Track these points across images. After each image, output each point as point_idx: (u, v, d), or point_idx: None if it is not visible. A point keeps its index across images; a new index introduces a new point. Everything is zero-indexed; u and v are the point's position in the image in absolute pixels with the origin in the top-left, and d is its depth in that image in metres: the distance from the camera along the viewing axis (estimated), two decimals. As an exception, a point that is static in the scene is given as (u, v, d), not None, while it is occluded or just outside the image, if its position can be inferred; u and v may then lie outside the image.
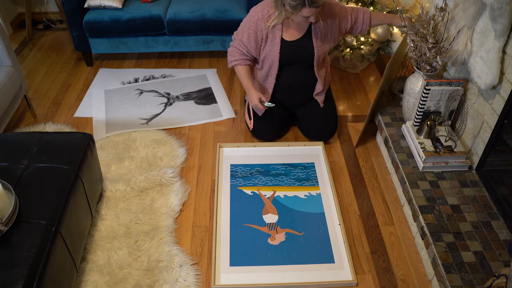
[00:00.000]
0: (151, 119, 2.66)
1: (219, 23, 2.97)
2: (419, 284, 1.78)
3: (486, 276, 1.58)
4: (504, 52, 1.76)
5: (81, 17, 2.98)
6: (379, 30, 2.83)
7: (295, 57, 2.24)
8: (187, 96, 2.86)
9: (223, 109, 2.76)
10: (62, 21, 3.90)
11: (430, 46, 2.01)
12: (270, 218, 2.04)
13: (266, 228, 2.00)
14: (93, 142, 1.94)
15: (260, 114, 2.39)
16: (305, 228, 2.00)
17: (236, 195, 2.15)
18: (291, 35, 2.19)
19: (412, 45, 2.09)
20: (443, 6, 2.00)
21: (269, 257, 1.88)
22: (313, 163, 2.33)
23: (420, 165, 2.01)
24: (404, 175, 2.00)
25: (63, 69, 3.23)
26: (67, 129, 2.60)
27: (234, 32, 2.28)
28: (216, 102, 2.80)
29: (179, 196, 2.13)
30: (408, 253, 1.90)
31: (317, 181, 2.23)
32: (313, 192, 2.17)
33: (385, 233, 2.00)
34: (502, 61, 1.77)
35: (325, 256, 1.88)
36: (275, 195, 2.15)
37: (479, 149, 1.96)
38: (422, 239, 1.81)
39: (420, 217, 1.81)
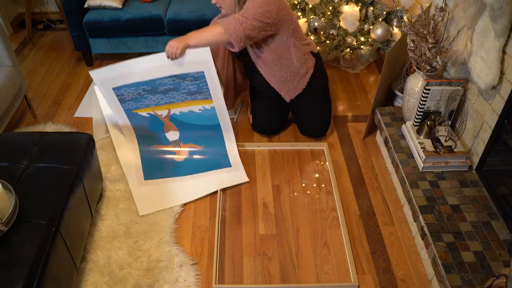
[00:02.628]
0: None
1: (219, 23, 2.97)
2: (419, 284, 1.78)
3: (486, 276, 1.58)
4: (504, 52, 1.76)
5: (81, 17, 2.98)
6: (379, 30, 2.83)
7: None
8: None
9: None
10: (62, 21, 3.90)
11: (430, 46, 2.01)
12: (172, 135, 2.19)
13: (170, 146, 2.18)
14: (93, 142, 1.94)
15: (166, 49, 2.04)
16: (204, 141, 2.21)
17: (135, 120, 2.20)
18: None
19: (412, 45, 2.09)
20: (443, 6, 2.01)
21: (177, 171, 2.16)
22: (203, 72, 2.05)
23: (420, 165, 2.01)
24: (404, 175, 2.00)
25: (63, 69, 3.23)
26: (67, 129, 2.60)
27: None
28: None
29: (179, 196, 2.13)
30: (408, 253, 1.90)
31: (209, 94, 2.13)
32: (207, 106, 2.16)
33: (385, 233, 2.00)
34: (502, 61, 1.77)
35: (224, 162, 2.15)
36: (170, 113, 2.17)
37: (479, 149, 1.96)
38: (422, 239, 1.81)
39: (420, 217, 1.81)
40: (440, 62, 2.03)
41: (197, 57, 1.99)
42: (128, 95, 2.11)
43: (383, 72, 2.28)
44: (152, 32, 3.02)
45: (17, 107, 2.51)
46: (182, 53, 1.97)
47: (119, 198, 2.12)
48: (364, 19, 2.87)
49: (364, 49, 2.92)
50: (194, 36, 1.99)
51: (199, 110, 2.15)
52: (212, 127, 2.20)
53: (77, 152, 1.81)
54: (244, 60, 2.37)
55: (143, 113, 2.15)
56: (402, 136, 2.22)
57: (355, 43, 2.90)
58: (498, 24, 1.68)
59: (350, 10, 2.78)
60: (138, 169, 2.19)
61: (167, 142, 2.17)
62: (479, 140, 1.95)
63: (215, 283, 1.76)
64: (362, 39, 2.90)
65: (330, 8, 2.83)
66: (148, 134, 2.16)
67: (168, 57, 1.97)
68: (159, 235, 1.94)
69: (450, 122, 2.16)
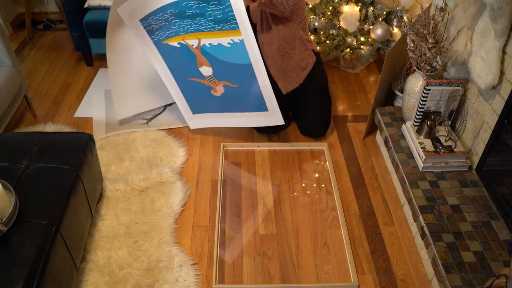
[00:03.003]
0: (151, 119, 2.66)
1: (219, 23, 2.97)
2: (419, 284, 1.78)
3: (486, 276, 1.58)
4: (504, 52, 1.76)
5: (81, 17, 2.98)
6: (379, 30, 2.83)
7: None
8: None
9: None
10: (62, 21, 3.90)
11: (430, 46, 2.01)
12: (206, 70, 2.14)
13: (206, 81, 2.15)
14: (93, 142, 1.94)
15: None
16: (238, 80, 2.15)
17: (166, 52, 2.13)
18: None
19: (412, 45, 2.09)
20: (443, 6, 2.01)
21: (217, 106, 2.21)
22: None
23: (420, 165, 2.01)
24: (404, 175, 2.00)
25: (63, 69, 3.23)
26: (67, 129, 2.60)
27: None
28: None
29: (179, 196, 2.13)
30: (408, 253, 1.90)
31: (236, 23, 2.00)
32: (236, 39, 2.05)
33: (385, 233, 2.00)
34: (502, 61, 1.77)
35: (260, 105, 2.16)
36: (201, 45, 2.10)
37: (479, 149, 1.96)
38: (422, 239, 1.81)
39: (420, 217, 1.81)
40: (440, 62, 2.03)
41: None
42: (156, 24, 2.03)
43: (383, 72, 2.28)
44: (152, 32, 3.01)
45: (17, 107, 2.51)
46: None
47: (119, 198, 2.12)
48: (364, 19, 2.87)
49: (364, 49, 2.91)
50: None
51: (228, 43, 2.05)
52: (244, 68, 2.10)
53: (77, 152, 1.81)
54: None
55: (174, 43, 2.07)
56: (402, 136, 2.22)
57: (355, 43, 2.90)
58: (498, 24, 1.68)
59: (350, 10, 2.78)
60: (184, 103, 2.33)
61: (202, 77, 2.14)
62: (479, 140, 1.95)
63: (215, 283, 1.76)
64: (362, 39, 2.90)
65: (330, 8, 2.83)
66: (182, 66, 2.11)
67: None
68: (159, 235, 1.94)
69: (450, 122, 2.16)
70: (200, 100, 2.28)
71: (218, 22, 2.02)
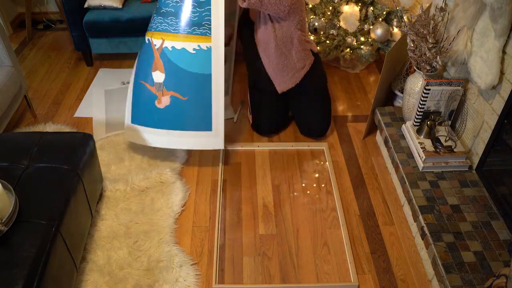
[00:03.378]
0: None
1: (219, 23, 2.97)
2: (419, 284, 1.78)
3: (486, 276, 1.58)
4: (504, 52, 1.76)
5: (81, 17, 2.98)
6: (379, 30, 2.83)
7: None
8: None
9: None
10: (62, 21, 3.90)
11: (430, 46, 2.01)
12: (158, 76, 2.00)
13: (154, 88, 2.01)
14: (93, 142, 1.94)
15: None
16: (190, 92, 1.99)
17: (143, 41, 2.07)
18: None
19: (412, 45, 2.09)
20: (443, 6, 2.01)
21: (155, 120, 2.01)
22: None
23: (420, 165, 2.01)
24: (404, 175, 2.00)
25: (63, 69, 3.23)
26: (67, 129, 2.60)
27: None
28: None
29: (179, 196, 2.13)
30: (408, 253, 1.90)
31: (209, 29, 1.93)
32: (203, 45, 1.95)
33: (385, 233, 2.00)
34: (502, 61, 1.77)
35: (204, 123, 1.99)
36: (163, 46, 1.99)
37: (479, 149, 1.96)
38: (422, 239, 1.81)
39: (420, 217, 1.81)
40: (440, 62, 2.03)
41: None
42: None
43: (383, 72, 2.28)
44: (152, 32, 3.02)
45: (17, 107, 2.51)
46: None
47: (119, 198, 2.12)
48: (364, 19, 2.87)
49: (364, 49, 2.91)
50: None
51: (194, 49, 1.95)
52: (202, 78, 1.98)
53: (77, 152, 1.81)
54: (248, 43, 2.39)
55: (146, 37, 2.02)
56: (402, 136, 2.22)
57: (355, 43, 2.90)
58: (498, 24, 1.68)
59: (350, 10, 2.79)
60: (129, 105, 2.14)
61: (152, 83, 1.99)
62: (479, 140, 1.95)
63: (215, 283, 1.76)
64: (362, 39, 2.90)
65: (330, 8, 2.83)
66: (141, 64, 2.01)
67: None
68: (159, 235, 1.94)
69: (450, 122, 2.16)
70: (141, 108, 2.08)
71: (191, 25, 1.95)
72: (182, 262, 1.83)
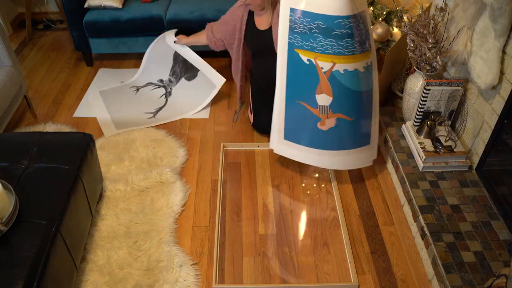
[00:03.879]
0: (156, 111, 2.68)
1: (219, 23, 2.97)
2: (419, 284, 1.78)
3: (486, 276, 1.58)
4: (504, 52, 1.76)
5: (81, 17, 2.98)
6: (379, 30, 2.83)
7: (259, 45, 2.35)
8: (176, 76, 2.88)
9: (210, 76, 2.74)
10: (62, 21, 3.90)
11: (430, 46, 2.01)
12: (324, 99, 1.85)
13: (317, 110, 1.88)
14: (93, 142, 1.94)
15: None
16: (357, 112, 1.90)
17: (292, 60, 1.87)
18: (259, 24, 2.29)
19: (412, 45, 2.09)
20: (443, 6, 2.01)
21: (316, 141, 1.91)
22: (364, 11, 1.83)
23: (420, 165, 2.01)
24: (404, 175, 2.00)
25: (63, 69, 3.23)
26: (67, 129, 2.60)
27: (209, 24, 2.52)
28: (198, 69, 2.80)
29: (179, 196, 2.13)
30: (408, 253, 1.90)
31: (369, 44, 1.85)
32: (369, 61, 1.87)
33: (385, 233, 2.00)
34: (502, 61, 1.77)
35: (365, 138, 1.93)
36: (333, 69, 1.83)
37: (479, 149, 1.96)
38: (422, 239, 1.81)
39: (420, 217, 1.81)
40: (440, 62, 2.04)
41: None
42: (299, 26, 1.81)
43: (383, 72, 2.28)
44: (152, 32, 3.01)
45: (17, 107, 2.51)
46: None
47: (119, 198, 2.12)
48: (364, 19, 2.87)
49: (364, 49, 2.91)
50: None
51: (363, 68, 1.84)
52: (366, 95, 1.90)
53: (77, 152, 1.81)
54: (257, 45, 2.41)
55: (304, 57, 1.83)
56: (402, 136, 2.22)
57: (355, 43, 2.90)
58: (498, 24, 1.68)
59: (350, 10, 2.78)
60: (281, 123, 1.99)
61: (315, 105, 1.85)
62: (479, 140, 1.95)
63: (215, 283, 1.76)
64: (362, 39, 2.89)
65: (330, 8, 2.83)
66: (299, 84, 1.86)
67: None
68: (159, 235, 1.94)
69: (450, 122, 2.16)
70: (299, 128, 1.97)
71: (361, 43, 1.84)
72: (182, 262, 1.83)
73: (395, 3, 2.81)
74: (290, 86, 1.90)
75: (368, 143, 1.93)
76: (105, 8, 3.00)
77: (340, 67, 1.82)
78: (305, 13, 1.79)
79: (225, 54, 2.70)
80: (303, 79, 1.89)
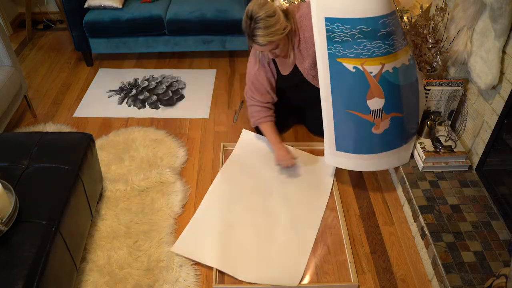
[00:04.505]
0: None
1: (219, 23, 2.97)
2: (419, 284, 1.78)
3: (486, 276, 1.58)
4: (504, 52, 1.76)
5: (81, 17, 2.98)
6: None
7: (293, 84, 2.26)
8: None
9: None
10: (62, 21, 3.90)
11: (430, 46, 2.01)
12: (376, 103, 1.77)
13: (370, 116, 1.79)
14: (93, 142, 1.94)
15: (283, 166, 2.20)
16: (406, 106, 1.85)
17: (336, 71, 1.77)
18: (284, 70, 2.22)
19: (412, 45, 2.09)
20: (443, 6, 2.01)
21: (372, 147, 1.84)
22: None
23: (420, 165, 2.01)
24: (404, 175, 2.00)
25: (63, 69, 3.23)
26: (67, 129, 2.60)
27: (245, 91, 2.32)
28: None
29: (179, 196, 2.13)
30: (408, 253, 1.90)
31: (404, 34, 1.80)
32: (410, 51, 1.80)
33: (385, 233, 2.00)
34: (502, 61, 1.77)
35: (412, 130, 1.91)
36: (383, 71, 1.75)
37: (479, 149, 1.96)
38: (422, 239, 1.81)
39: (420, 217, 1.81)
40: (440, 62, 2.04)
41: None
42: (339, 35, 1.71)
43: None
44: (152, 32, 3.02)
45: (17, 107, 2.51)
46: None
47: (119, 198, 2.12)
48: (364, 19, 2.87)
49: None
50: None
51: (408, 60, 1.78)
52: (412, 85, 1.84)
53: (77, 152, 1.81)
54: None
55: (349, 65, 1.73)
56: (402, 136, 2.22)
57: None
58: (498, 24, 1.68)
59: (350, 10, 2.78)
60: (331, 135, 1.89)
61: (367, 111, 1.76)
62: (479, 140, 1.95)
63: (215, 283, 1.76)
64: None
65: (330, 8, 2.83)
66: (346, 93, 1.77)
67: None
68: (159, 235, 1.94)
69: (450, 122, 2.16)
70: (352, 137, 1.88)
71: (403, 36, 1.78)
72: (182, 262, 1.83)
73: (395, 3, 2.81)
74: (336, 97, 1.80)
75: (413, 136, 1.93)
76: (105, 8, 3.00)
77: (389, 66, 1.75)
78: (343, 20, 1.69)
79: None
80: (351, 87, 1.80)
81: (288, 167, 2.18)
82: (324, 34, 1.73)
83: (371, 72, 1.74)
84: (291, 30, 1.97)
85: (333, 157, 1.98)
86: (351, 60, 1.73)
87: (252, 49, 2.19)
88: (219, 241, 1.86)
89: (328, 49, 1.76)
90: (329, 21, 1.71)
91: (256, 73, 2.20)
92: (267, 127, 2.26)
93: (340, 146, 1.90)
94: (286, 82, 2.26)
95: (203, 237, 1.88)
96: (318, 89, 1.95)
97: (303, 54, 2.09)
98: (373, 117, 1.73)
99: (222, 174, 2.19)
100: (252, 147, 2.38)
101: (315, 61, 1.90)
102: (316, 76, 2.13)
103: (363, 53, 1.72)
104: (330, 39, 1.74)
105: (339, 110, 1.80)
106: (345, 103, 1.79)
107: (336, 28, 1.71)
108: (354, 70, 1.73)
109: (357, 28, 1.68)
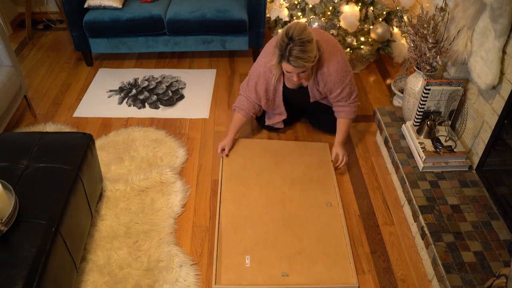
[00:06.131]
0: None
1: (219, 23, 2.97)
2: (419, 284, 1.78)
3: (486, 276, 1.58)
4: (504, 52, 1.76)
5: (81, 17, 2.98)
6: (379, 30, 2.83)
7: (296, 97, 2.32)
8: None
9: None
10: (62, 21, 3.90)
11: (430, 46, 2.01)
12: None
13: None
14: (93, 142, 1.94)
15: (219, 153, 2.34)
16: None
17: None
18: (291, 84, 2.23)
19: (412, 45, 2.09)
20: (443, 6, 2.01)
21: None
22: None
23: (420, 165, 2.01)
24: (404, 175, 2.00)
25: (63, 69, 3.23)
26: (67, 129, 2.60)
27: (241, 86, 2.34)
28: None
29: (179, 196, 2.13)
30: (408, 253, 1.90)
31: None
32: None
33: (385, 233, 2.00)
34: (502, 61, 1.77)
35: None
36: None
37: (479, 149, 1.96)
38: (422, 239, 1.81)
39: (420, 217, 1.81)
40: (440, 62, 2.04)
41: None
42: None
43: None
44: (152, 32, 3.02)
45: (17, 107, 2.51)
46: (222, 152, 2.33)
47: (119, 198, 2.12)
48: (364, 19, 2.87)
49: (364, 49, 2.92)
50: None
51: None
52: None
53: (77, 152, 1.81)
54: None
55: None
56: (402, 136, 2.22)
57: (355, 43, 2.90)
58: (498, 24, 1.68)
59: (350, 10, 2.79)
60: None
61: None
62: (479, 140, 1.95)
63: (215, 283, 1.76)
64: (362, 39, 2.90)
65: (330, 8, 2.83)
66: None
67: None
68: (159, 235, 1.94)
69: (450, 122, 2.16)
70: None
71: None
72: (182, 262, 1.83)
73: (395, 3, 2.81)
74: None
75: None
76: (105, 8, 3.00)
77: None
78: None
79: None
80: None
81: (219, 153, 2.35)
82: None
83: None
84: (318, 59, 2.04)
85: None
86: None
87: (264, 49, 2.21)
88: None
89: None
90: None
91: (262, 72, 2.21)
92: (238, 117, 2.33)
93: None
94: (290, 94, 2.31)
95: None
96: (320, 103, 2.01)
97: (318, 83, 2.16)
98: None
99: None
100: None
101: (326, 96, 2.17)
102: (320, 99, 2.26)
103: None
104: None
105: None
106: None
107: None
108: None
109: None
